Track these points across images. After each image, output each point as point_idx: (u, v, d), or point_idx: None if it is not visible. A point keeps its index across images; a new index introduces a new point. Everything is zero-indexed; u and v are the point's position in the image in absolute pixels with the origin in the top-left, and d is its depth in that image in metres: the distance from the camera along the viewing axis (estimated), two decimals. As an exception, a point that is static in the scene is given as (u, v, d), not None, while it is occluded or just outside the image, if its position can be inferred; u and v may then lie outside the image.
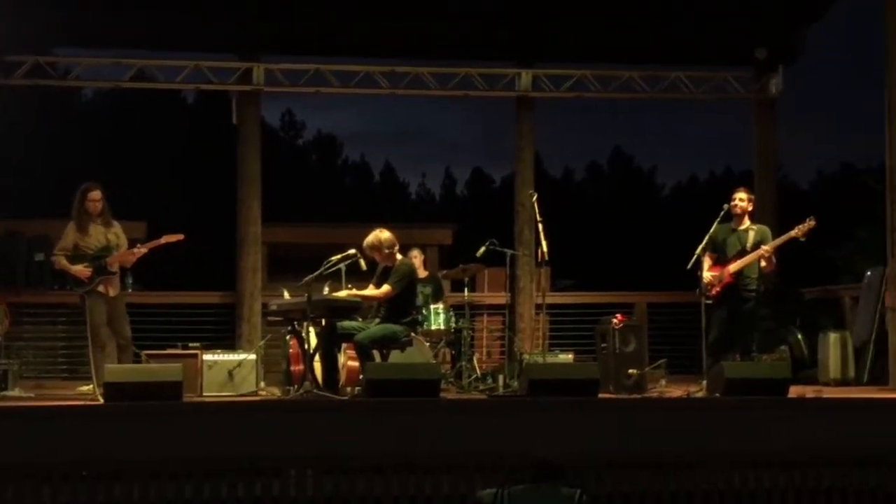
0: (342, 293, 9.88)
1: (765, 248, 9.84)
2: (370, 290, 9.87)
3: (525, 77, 13.22)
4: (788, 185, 28.46)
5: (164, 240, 9.84)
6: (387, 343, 9.70)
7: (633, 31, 13.43)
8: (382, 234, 9.87)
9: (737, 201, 10.00)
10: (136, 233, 10.88)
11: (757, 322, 10.25)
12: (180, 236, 9.88)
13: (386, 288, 9.77)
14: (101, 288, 9.70)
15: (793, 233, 9.84)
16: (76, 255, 9.71)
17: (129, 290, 10.36)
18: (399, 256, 9.98)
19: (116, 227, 9.92)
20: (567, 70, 13.33)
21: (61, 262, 9.73)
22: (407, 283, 9.83)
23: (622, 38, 13.53)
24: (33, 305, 12.38)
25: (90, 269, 9.66)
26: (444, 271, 11.91)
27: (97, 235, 9.77)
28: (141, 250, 9.85)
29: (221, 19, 12.79)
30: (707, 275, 9.92)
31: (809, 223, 9.78)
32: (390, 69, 13.04)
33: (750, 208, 10.09)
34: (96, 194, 9.82)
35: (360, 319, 9.92)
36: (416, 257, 11.67)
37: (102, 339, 9.68)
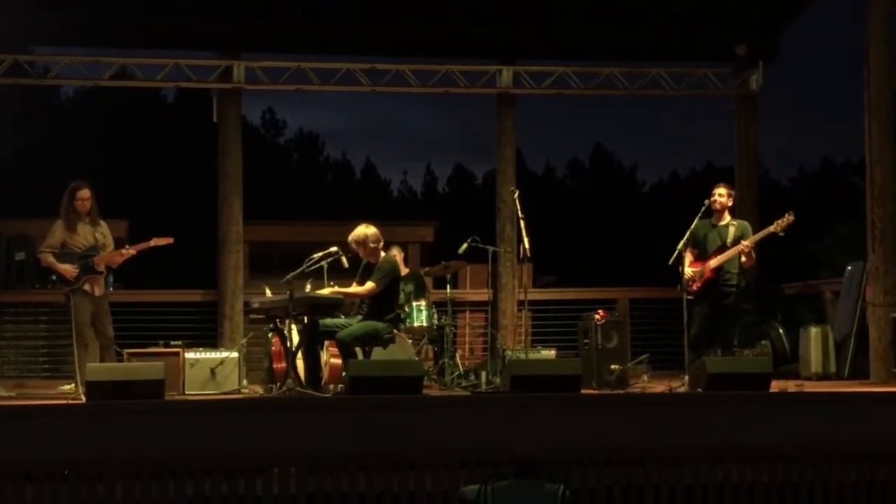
0: (325, 290, 9.88)
1: (745, 243, 9.86)
2: (354, 287, 9.87)
3: (506, 74, 13.23)
4: (769, 181, 28.55)
5: (153, 242, 9.87)
6: (369, 340, 9.71)
7: (613, 27, 13.45)
8: (369, 230, 9.88)
9: (716, 197, 10.01)
10: (117, 231, 10.86)
11: (738, 317, 10.27)
12: (170, 240, 9.88)
13: (370, 284, 9.77)
14: (86, 287, 9.70)
15: (772, 228, 9.87)
16: (63, 254, 9.73)
17: (111, 290, 10.32)
18: (383, 253, 9.99)
19: (103, 226, 9.94)
20: (548, 67, 13.34)
21: (48, 259, 9.73)
22: (390, 280, 9.84)
23: (603, 35, 13.56)
24: (14, 304, 12.34)
25: (77, 269, 9.65)
26: (427, 268, 11.91)
27: (85, 234, 9.79)
28: (129, 251, 9.85)
29: (202, 17, 12.77)
30: (688, 271, 9.94)
31: (788, 218, 9.81)
32: (371, 66, 13.03)
33: (730, 203, 10.09)
34: (85, 193, 9.83)
35: (342, 317, 9.92)
36: (397, 255, 11.65)
37: (87, 337, 9.68)
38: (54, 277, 9.77)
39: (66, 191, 9.87)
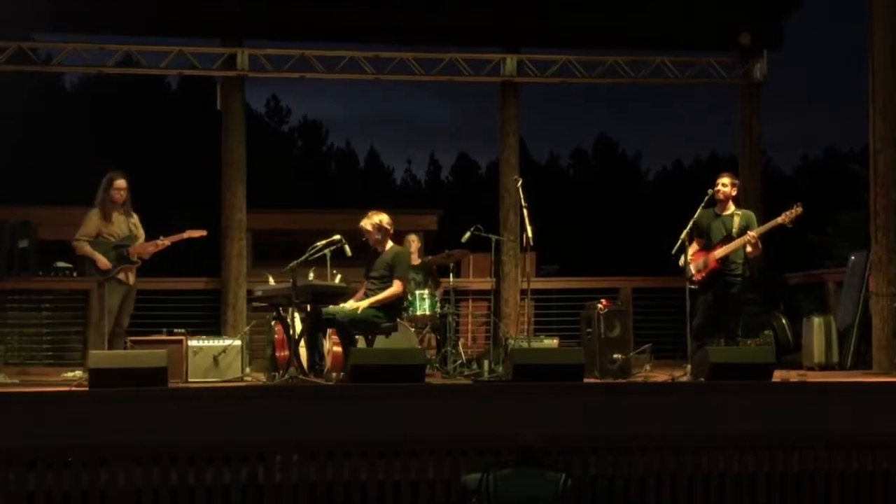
0: (364, 303, 9.72)
1: (751, 233, 9.86)
2: (385, 293, 9.75)
3: (510, 62, 13.20)
4: (773, 171, 28.56)
5: (186, 234, 10.11)
6: (370, 327, 9.69)
7: (617, 16, 13.41)
8: (385, 216, 9.89)
9: (720, 186, 10.02)
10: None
11: (742, 307, 10.28)
12: (203, 232, 10.16)
13: (398, 284, 9.79)
14: (121, 276, 9.93)
15: (780, 219, 9.87)
16: (98, 243, 9.94)
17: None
18: (390, 242, 9.99)
19: (135, 217, 10.25)
20: (552, 55, 13.31)
21: (85, 248, 9.94)
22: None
23: (607, 23, 13.52)
24: (17, 292, 12.33)
25: (111, 262, 9.86)
26: (430, 257, 11.91)
27: (120, 224, 10.02)
28: (164, 242, 10.00)
29: (205, 4, 12.75)
30: (691, 260, 9.95)
31: (797, 210, 9.80)
32: (375, 55, 13.01)
33: (734, 193, 10.12)
34: (122, 183, 10.06)
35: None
36: (414, 242, 11.73)
37: (111, 325, 9.81)
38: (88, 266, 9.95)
39: (104, 180, 10.08)
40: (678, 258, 9.99)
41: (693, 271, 9.99)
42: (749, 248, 9.90)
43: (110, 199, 9.98)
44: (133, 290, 10.09)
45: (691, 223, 9.95)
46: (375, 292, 9.82)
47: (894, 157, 10.72)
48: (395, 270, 9.81)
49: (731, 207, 10.10)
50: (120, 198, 10.02)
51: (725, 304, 10.00)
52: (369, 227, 9.89)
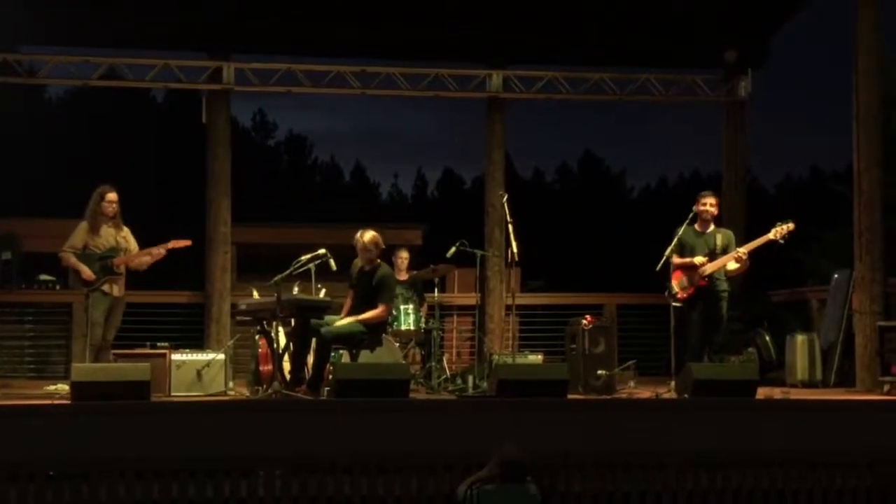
0: (345, 321, 9.73)
1: (741, 250, 9.95)
2: (371, 313, 9.74)
3: (496, 78, 13.23)
4: (757, 189, 28.63)
5: (171, 244, 10.05)
6: (350, 341, 9.68)
7: (603, 33, 13.47)
8: (377, 234, 9.88)
9: (708, 206, 10.11)
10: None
11: (726, 323, 10.31)
12: (188, 242, 10.13)
13: (382, 306, 9.76)
14: (105, 287, 9.92)
15: (770, 235, 9.94)
16: (84, 255, 9.94)
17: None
18: (378, 260, 9.98)
19: (126, 230, 10.22)
20: (538, 72, 13.35)
21: (70, 259, 9.95)
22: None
23: (592, 40, 13.56)
24: (0, 304, 12.28)
25: (95, 274, 9.86)
26: (414, 272, 11.90)
27: (107, 236, 10.04)
28: (160, 251, 9.99)
29: (191, 18, 12.75)
30: (672, 279, 9.98)
31: (788, 226, 9.86)
32: (361, 69, 13.02)
33: (716, 212, 10.22)
34: (113, 196, 10.10)
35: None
36: (404, 258, 11.72)
37: (97, 337, 9.79)
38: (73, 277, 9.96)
39: (94, 193, 10.09)
40: (664, 275, 10.03)
41: (677, 289, 10.03)
42: (736, 265, 9.95)
43: (101, 211, 10.00)
44: (120, 304, 10.05)
45: (676, 240, 9.99)
46: (359, 307, 9.81)
47: (878, 177, 10.79)
48: (381, 294, 9.80)
49: (712, 226, 10.20)
50: (111, 211, 10.05)
51: (713, 320, 10.07)
52: (368, 244, 9.86)
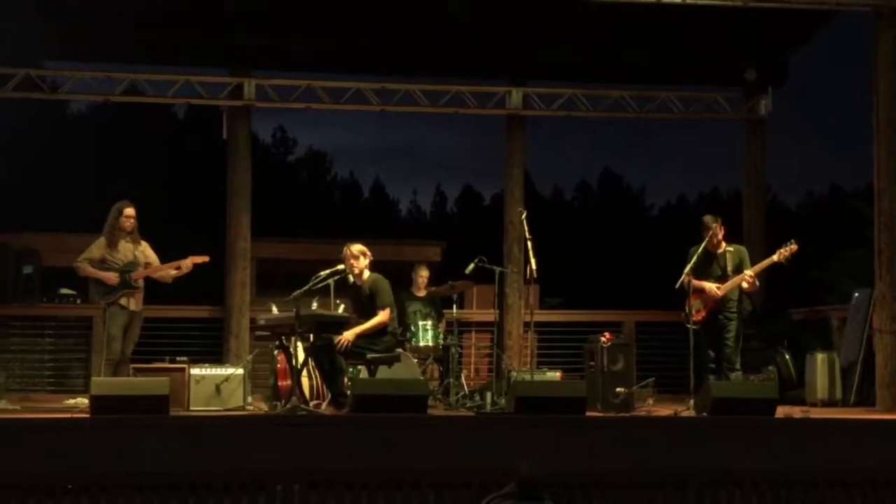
0: (349, 333, 9.75)
1: (748, 273, 10.05)
2: (374, 320, 9.85)
3: (515, 95, 13.26)
4: (777, 206, 28.53)
5: (189, 260, 10.08)
6: (354, 355, 9.76)
7: (623, 50, 13.49)
8: (363, 246, 10.02)
9: (713, 234, 10.08)
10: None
11: (740, 340, 10.31)
12: (206, 258, 10.18)
13: (386, 311, 9.86)
14: (123, 301, 9.90)
15: (774, 257, 10.06)
16: (101, 269, 9.93)
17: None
18: (367, 273, 10.01)
19: (144, 245, 10.23)
20: (557, 89, 13.37)
21: (87, 269, 9.98)
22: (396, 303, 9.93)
23: (612, 57, 13.59)
24: (20, 318, 12.35)
25: (118, 277, 9.88)
26: (433, 288, 11.91)
27: (125, 251, 10.06)
28: (189, 264, 10.03)
29: (213, 34, 12.82)
30: (688, 303, 10.08)
31: (791, 247, 9.91)
32: (381, 86, 13.07)
33: (721, 232, 10.21)
34: (131, 211, 10.13)
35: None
36: (424, 276, 11.75)
37: (116, 351, 9.80)
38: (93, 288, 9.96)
39: (113, 209, 10.13)
40: (683, 293, 10.07)
41: (692, 312, 10.08)
42: (746, 285, 10.06)
43: (119, 227, 10.04)
44: (138, 318, 10.08)
45: (695, 258, 10.00)
46: (360, 321, 9.92)
47: (899, 196, 10.75)
48: (378, 299, 9.85)
49: (723, 245, 10.24)
50: (129, 226, 10.08)
51: (725, 339, 10.13)
52: (355, 252, 9.98)
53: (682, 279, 9.98)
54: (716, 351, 10.18)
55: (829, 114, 40.19)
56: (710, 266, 10.16)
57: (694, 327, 9.98)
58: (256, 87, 12.82)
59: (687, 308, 10.07)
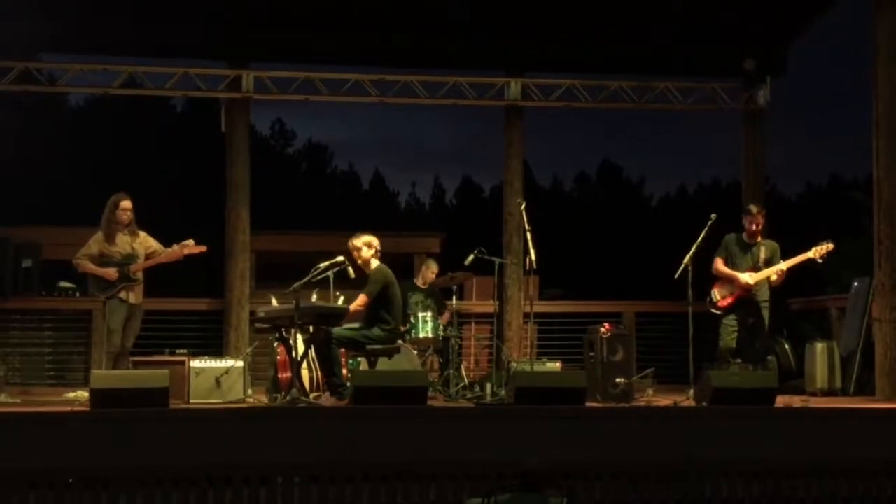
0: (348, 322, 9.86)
1: (783, 265, 10.30)
2: (354, 304, 9.91)
3: (514, 86, 13.25)
4: (777, 196, 28.54)
5: (188, 244, 10.09)
6: (354, 345, 9.78)
7: (621, 41, 13.47)
8: (369, 237, 9.96)
9: (759, 219, 10.39)
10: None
11: (767, 331, 10.54)
12: (203, 248, 10.17)
13: (361, 296, 9.87)
14: (122, 294, 9.92)
15: (810, 254, 10.31)
16: (100, 263, 9.93)
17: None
18: (375, 262, 10.00)
19: (142, 236, 10.22)
20: (556, 80, 13.36)
21: (86, 265, 9.99)
22: (381, 289, 9.85)
23: (611, 48, 13.57)
24: (20, 311, 12.30)
25: (117, 272, 9.88)
26: (434, 278, 11.91)
27: (122, 244, 10.05)
28: (191, 246, 9.97)
29: (211, 27, 12.80)
30: (715, 287, 10.37)
31: (827, 246, 10.25)
32: (379, 77, 13.05)
33: (762, 223, 10.49)
34: (127, 204, 10.13)
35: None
36: (433, 271, 11.75)
37: (116, 344, 9.80)
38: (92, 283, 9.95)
39: (109, 202, 10.12)
40: (683, 283, 10.15)
41: (717, 297, 10.35)
42: (775, 277, 10.29)
43: (116, 219, 10.02)
44: (138, 311, 10.08)
45: (694, 247, 10.07)
46: (365, 312, 9.96)
47: (898, 185, 10.75)
48: (366, 286, 9.91)
49: (759, 237, 10.48)
50: (126, 218, 10.07)
51: (753, 329, 10.39)
52: (357, 244, 9.97)
53: (683, 265, 10.05)
54: (747, 341, 10.38)
55: (828, 104, 40.18)
56: (744, 255, 10.38)
57: (716, 312, 10.26)
58: (255, 79, 12.81)
59: (712, 293, 10.34)
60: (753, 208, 10.52)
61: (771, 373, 10.81)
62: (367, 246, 9.99)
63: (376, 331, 9.85)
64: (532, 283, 11.56)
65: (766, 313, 10.38)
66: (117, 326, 9.86)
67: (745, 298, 10.33)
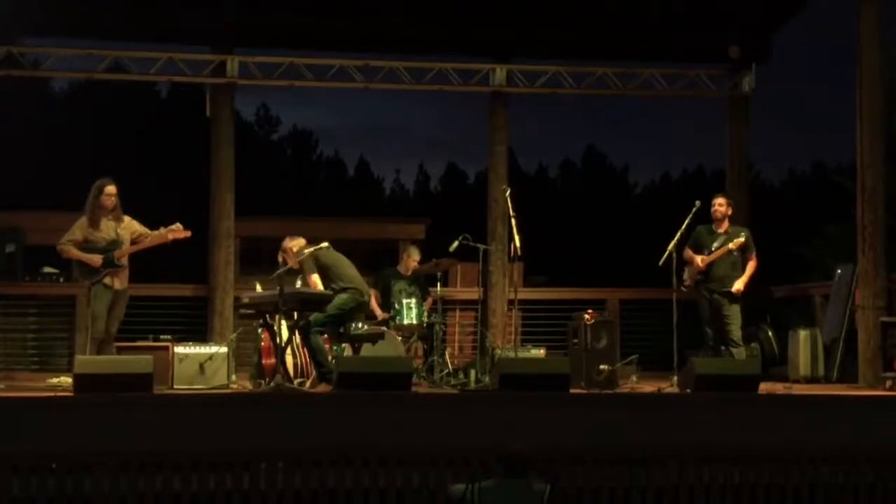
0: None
1: (729, 245, 10.38)
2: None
3: (499, 72, 13.23)
4: (761, 183, 28.59)
5: (173, 229, 10.01)
6: (334, 323, 9.85)
7: (607, 27, 13.46)
8: (295, 242, 10.24)
9: (716, 206, 10.52)
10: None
11: (736, 320, 10.50)
12: (188, 233, 10.06)
13: (312, 281, 10.03)
14: (106, 280, 9.85)
15: (731, 246, 10.39)
16: (84, 249, 9.84)
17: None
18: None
19: (127, 221, 10.11)
20: (541, 66, 13.34)
21: (71, 251, 9.90)
22: (315, 263, 10.01)
23: (596, 35, 13.55)
24: (4, 297, 12.30)
25: (102, 258, 9.81)
26: (417, 266, 11.91)
27: (107, 230, 9.97)
28: (178, 230, 9.94)
29: (196, 11, 12.76)
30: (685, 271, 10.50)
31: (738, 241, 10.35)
32: (364, 63, 13.02)
33: (729, 213, 10.60)
34: (112, 189, 10.04)
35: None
36: (414, 259, 11.73)
37: (100, 330, 9.76)
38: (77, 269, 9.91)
39: (93, 187, 10.04)
40: (667, 270, 10.20)
41: (686, 277, 10.50)
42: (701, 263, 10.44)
43: (100, 205, 9.96)
44: (123, 296, 10.01)
45: (678, 234, 10.12)
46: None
47: (882, 172, 10.79)
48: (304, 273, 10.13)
49: (726, 225, 10.52)
50: (110, 204, 10.01)
51: (717, 317, 10.42)
52: (291, 246, 10.19)
53: (667, 252, 10.17)
54: (716, 329, 10.43)
55: (812, 91, 40.27)
56: (709, 243, 10.50)
57: (684, 289, 10.40)
58: (239, 64, 12.76)
59: (680, 275, 10.42)
60: (716, 196, 10.62)
61: (754, 359, 10.88)
62: (288, 250, 10.14)
63: (342, 296, 9.89)
64: (516, 270, 11.56)
65: (726, 303, 10.36)
66: (101, 312, 9.82)
67: (706, 284, 10.43)
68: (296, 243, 10.19)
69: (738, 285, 10.34)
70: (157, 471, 8.00)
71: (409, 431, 8.42)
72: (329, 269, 10.06)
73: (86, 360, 8.91)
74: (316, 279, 9.97)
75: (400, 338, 10.87)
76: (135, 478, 7.96)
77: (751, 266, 10.44)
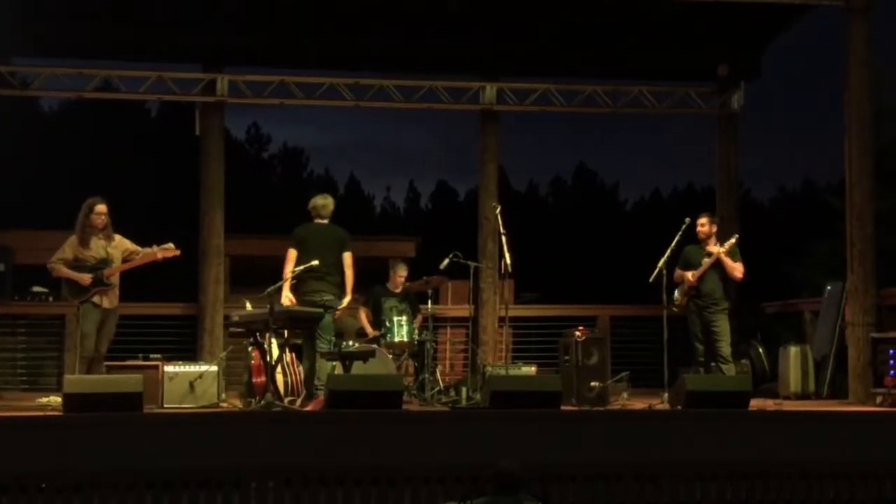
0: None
1: (712, 249, 10.55)
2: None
3: (489, 90, 13.25)
4: (750, 201, 28.67)
5: (162, 249, 10.01)
6: (306, 319, 9.82)
7: (596, 45, 13.49)
8: None
9: (698, 227, 10.64)
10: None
11: (725, 334, 10.54)
12: (176, 252, 10.05)
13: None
14: (96, 298, 9.82)
15: (722, 249, 10.49)
16: (74, 267, 9.81)
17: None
18: None
19: (117, 239, 10.10)
20: (531, 84, 13.37)
21: (61, 269, 9.87)
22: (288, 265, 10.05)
23: (586, 52, 13.58)
24: (-8, 316, 12.26)
25: (91, 276, 9.78)
26: (408, 283, 11.91)
27: (97, 249, 9.94)
28: (168, 249, 9.92)
29: (185, 30, 12.74)
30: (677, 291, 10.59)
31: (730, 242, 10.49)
32: (355, 81, 13.04)
33: (714, 230, 10.67)
34: (102, 208, 10.02)
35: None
36: (402, 275, 11.71)
37: (89, 349, 9.72)
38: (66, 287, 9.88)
39: (84, 205, 10.03)
40: (658, 287, 10.23)
41: (678, 295, 10.59)
42: (691, 277, 10.52)
43: (90, 223, 9.94)
44: (112, 315, 9.99)
45: (668, 251, 10.17)
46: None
47: (870, 189, 10.82)
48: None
49: (711, 241, 10.61)
50: (101, 222, 9.99)
51: (707, 332, 10.48)
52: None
53: (657, 269, 10.27)
54: (706, 345, 10.50)
55: (801, 109, 40.44)
56: (697, 262, 10.58)
57: (676, 309, 10.51)
58: (229, 82, 12.77)
59: (672, 295, 10.54)
60: (700, 217, 10.73)
61: (745, 376, 10.89)
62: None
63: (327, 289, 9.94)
64: (507, 287, 11.57)
65: (717, 316, 10.46)
66: (91, 330, 9.79)
67: (697, 300, 10.51)
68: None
69: (717, 248, 10.46)
70: (147, 490, 7.97)
71: (400, 449, 8.40)
72: (299, 259, 10.17)
73: (75, 380, 8.88)
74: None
75: (391, 355, 10.85)
76: (125, 497, 7.94)
77: (737, 266, 10.52)
